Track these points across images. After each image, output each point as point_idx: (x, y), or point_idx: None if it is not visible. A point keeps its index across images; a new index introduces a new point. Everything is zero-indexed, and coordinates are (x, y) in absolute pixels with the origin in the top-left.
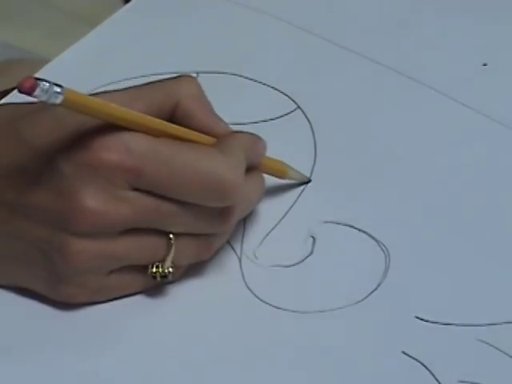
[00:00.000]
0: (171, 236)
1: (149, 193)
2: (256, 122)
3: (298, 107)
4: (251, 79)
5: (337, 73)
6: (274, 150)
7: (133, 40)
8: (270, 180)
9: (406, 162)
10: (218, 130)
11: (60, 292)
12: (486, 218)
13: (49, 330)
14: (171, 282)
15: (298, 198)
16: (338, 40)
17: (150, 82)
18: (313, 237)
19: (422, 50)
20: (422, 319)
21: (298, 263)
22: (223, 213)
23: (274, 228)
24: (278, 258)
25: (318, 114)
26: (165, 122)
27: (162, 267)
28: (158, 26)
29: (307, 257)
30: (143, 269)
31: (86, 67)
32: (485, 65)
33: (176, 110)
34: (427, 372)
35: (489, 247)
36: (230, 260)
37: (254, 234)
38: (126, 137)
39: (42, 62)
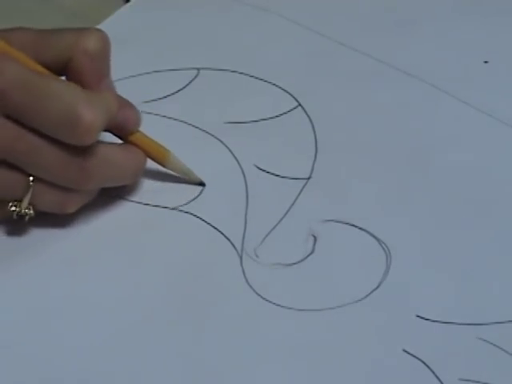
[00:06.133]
0: (31, 178)
1: (16, 122)
2: (257, 121)
3: (299, 105)
4: (252, 76)
5: (338, 70)
6: (275, 148)
7: (134, 38)
8: (269, 178)
9: (408, 160)
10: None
11: None
12: (487, 217)
13: None
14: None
15: (298, 196)
16: (339, 37)
17: (54, 30)
18: (314, 235)
19: (423, 47)
20: (422, 318)
21: (299, 262)
22: (83, 171)
23: (275, 227)
24: (279, 257)
25: (319, 111)
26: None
27: (19, 207)
28: (159, 24)
29: (308, 255)
30: (2, 204)
31: None
32: (486, 62)
33: (69, 65)
34: (428, 370)
35: (490, 246)
36: (231, 258)
37: (255, 233)
38: (1, 62)
39: None
